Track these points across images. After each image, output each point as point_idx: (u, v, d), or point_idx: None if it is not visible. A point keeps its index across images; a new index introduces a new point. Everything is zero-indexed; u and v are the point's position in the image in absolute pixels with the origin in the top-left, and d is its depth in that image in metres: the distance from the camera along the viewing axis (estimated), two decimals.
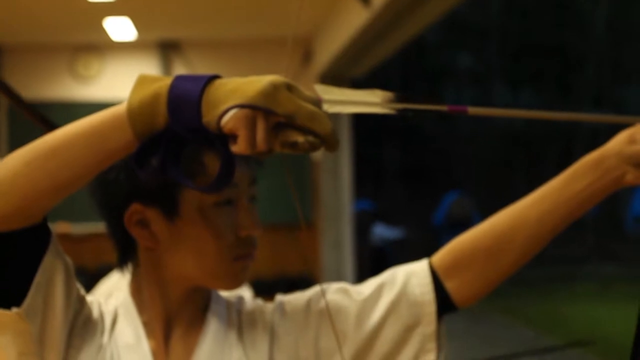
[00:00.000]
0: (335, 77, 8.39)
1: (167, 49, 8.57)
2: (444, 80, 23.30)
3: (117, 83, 8.24)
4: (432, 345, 1.24)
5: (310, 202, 8.68)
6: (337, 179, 8.52)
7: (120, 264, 1.28)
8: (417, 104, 1.02)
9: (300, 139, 0.94)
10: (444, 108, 1.01)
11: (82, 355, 1.19)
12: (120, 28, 7.70)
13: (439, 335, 1.25)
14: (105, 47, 8.43)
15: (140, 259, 1.25)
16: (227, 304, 1.31)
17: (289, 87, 0.95)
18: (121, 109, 0.99)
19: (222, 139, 0.96)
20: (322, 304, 1.26)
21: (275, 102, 0.93)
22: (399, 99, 1.02)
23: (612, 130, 1.23)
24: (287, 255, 8.58)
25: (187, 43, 8.58)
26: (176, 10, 7.47)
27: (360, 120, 14.69)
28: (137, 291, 1.27)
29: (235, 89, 0.94)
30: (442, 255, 1.28)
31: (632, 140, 1.18)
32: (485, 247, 1.24)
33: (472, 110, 1.02)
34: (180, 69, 8.49)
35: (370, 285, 1.29)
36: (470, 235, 1.26)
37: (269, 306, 1.31)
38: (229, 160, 0.98)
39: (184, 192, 1.19)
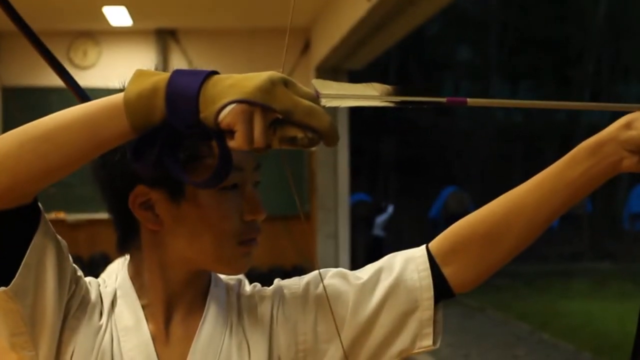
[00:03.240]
0: (333, 69, 8.38)
1: (164, 38, 8.55)
2: (442, 73, 23.30)
3: (114, 71, 8.21)
4: (429, 331, 1.24)
5: (307, 193, 8.68)
6: (334, 170, 8.52)
7: (121, 246, 1.27)
8: (416, 97, 1.02)
9: (299, 134, 0.94)
10: (443, 100, 1.01)
11: (79, 336, 1.18)
12: (117, 16, 7.69)
13: (436, 321, 1.25)
14: (102, 35, 8.42)
15: (143, 241, 1.23)
16: (227, 287, 1.30)
17: (287, 83, 0.95)
18: (119, 99, 0.99)
19: (219, 134, 0.96)
20: (321, 289, 1.26)
21: (272, 98, 0.94)
22: (397, 92, 1.01)
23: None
24: (283, 246, 8.59)
25: (184, 32, 8.56)
26: None
27: (357, 113, 14.65)
28: (137, 274, 1.25)
29: (233, 85, 0.95)
30: (440, 240, 1.27)
31: (629, 126, 1.16)
32: (483, 233, 1.23)
33: (472, 101, 1.01)
34: (177, 58, 8.48)
35: (368, 270, 1.28)
36: (468, 221, 1.26)
37: (268, 290, 1.30)
38: (227, 156, 0.99)
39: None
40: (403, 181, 20.75)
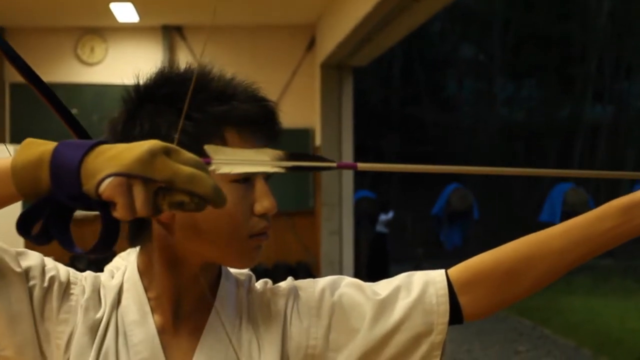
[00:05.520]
0: (338, 65, 8.40)
1: (171, 34, 8.59)
2: (445, 70, 23.27)
3: (122, 67, 8.26)
4: (438, 353, 1.27)
5: (312, 190, 8.72)
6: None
7: (132, 239, 1.27)
8: (307, 162, 1.05)
9: (185, 199, 0.96)
10: (333, 165, 1.05)
11: (73, 332, 1.20)
12: (124, 13, 7.73)
13: (444, 343, 1.28)
14: (109, 32, 8.46)
15: (153, 233, 1.23)
16: (237, 281, 1.31)
17: (168, 152, 0.96)
18: (7, 164, 1.01)
19: (102, 206, 0.97)
20: (337, 296, 1.27)
21: (151, 169, 0.95)
22: (288, 157, 1.04)
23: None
24: (287, 242, 8.62)
25: (191, 28, 8.59)
26: None
27: (361, 110, 14.64)
28: (146, 266, 1.26)
29: (113, 157, 0.96)
30: (460, 269, 1.29)
31: None
32: (504, 269, 1.26)
33: (362, 166, 1.05)
34: (183, 55, 8.51)
35: (384, 286, 1.29)
36: (491, 255, 1.28)
37: (281, 289, 1.30)
38: (111, 227, 0.99)
39: None
40: (406, 178, 20.75)
